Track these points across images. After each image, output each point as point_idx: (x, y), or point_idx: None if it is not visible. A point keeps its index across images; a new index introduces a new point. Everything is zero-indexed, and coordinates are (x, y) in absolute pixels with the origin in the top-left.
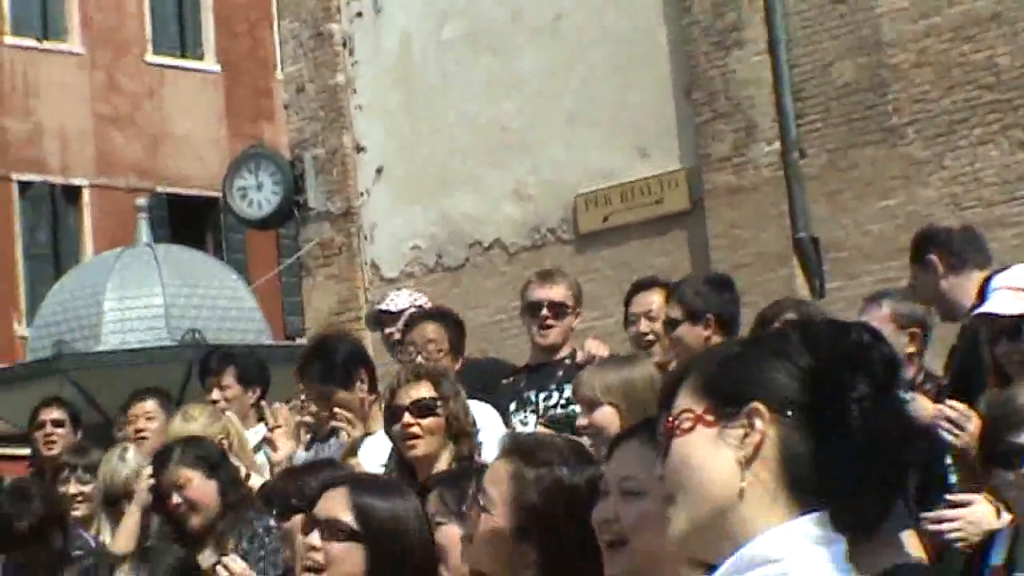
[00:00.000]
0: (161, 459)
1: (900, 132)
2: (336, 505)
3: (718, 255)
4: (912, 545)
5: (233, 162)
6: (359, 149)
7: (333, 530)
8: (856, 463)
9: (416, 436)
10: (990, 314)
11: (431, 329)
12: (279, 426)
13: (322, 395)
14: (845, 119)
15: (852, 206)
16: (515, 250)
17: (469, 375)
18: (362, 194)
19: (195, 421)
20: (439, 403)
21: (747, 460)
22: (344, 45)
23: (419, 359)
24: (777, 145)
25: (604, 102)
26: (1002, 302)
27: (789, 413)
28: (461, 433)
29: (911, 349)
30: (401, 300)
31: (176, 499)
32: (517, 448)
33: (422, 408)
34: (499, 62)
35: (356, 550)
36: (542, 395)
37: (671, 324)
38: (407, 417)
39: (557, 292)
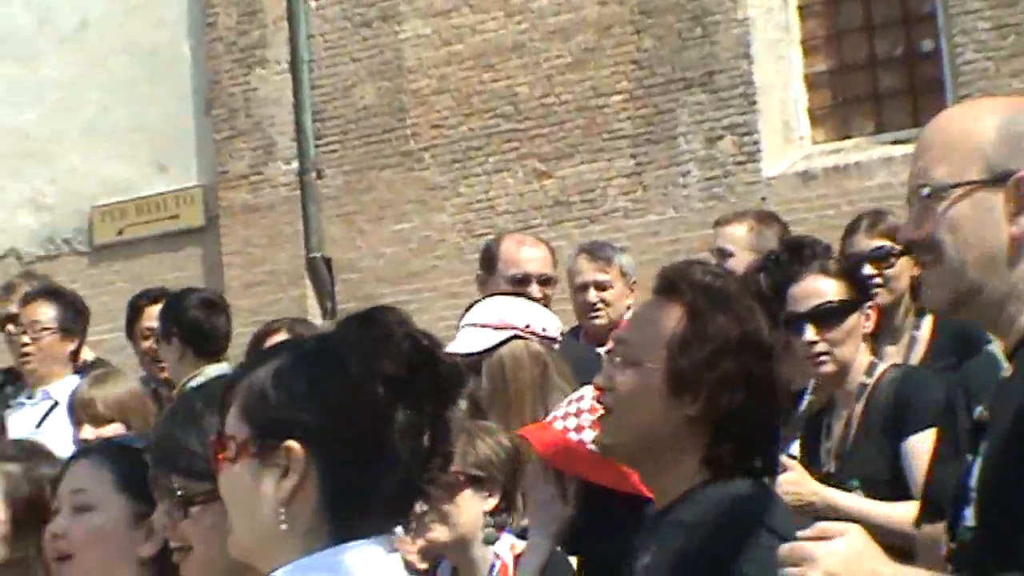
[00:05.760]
0: None
1: (417, 156)
2: None
3: (232, 272)
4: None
5: None
6: None
7: None
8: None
9: None
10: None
11: (43, 308)
12: None
13: None
14: (364, 141)
15: (367, 228)
16: (29, 259)
17: None
18: None
19: None
20: None
21: (287, 500)
22: None
23: (25, 338)
24: (295, 165)
25: (124, 114)
26: (465, 341)
27: (323, 449)
28: None
29: None
30: None
31: None
32: None
33: None
34: (24, 69)
35: None
36: None
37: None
38: None
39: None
